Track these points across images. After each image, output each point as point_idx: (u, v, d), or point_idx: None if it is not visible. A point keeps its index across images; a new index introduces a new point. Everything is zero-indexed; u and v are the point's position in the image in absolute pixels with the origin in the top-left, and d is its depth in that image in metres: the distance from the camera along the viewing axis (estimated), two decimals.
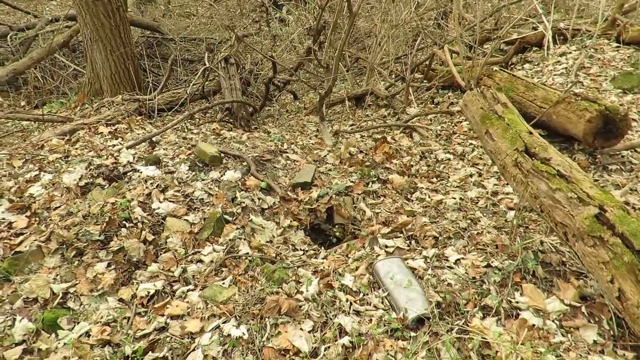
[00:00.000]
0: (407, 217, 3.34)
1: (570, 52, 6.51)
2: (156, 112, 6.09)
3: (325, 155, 4.49)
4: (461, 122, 5.96)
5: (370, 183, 3.98)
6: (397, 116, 6.95)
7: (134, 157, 3.83)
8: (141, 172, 3.54)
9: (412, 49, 7.36)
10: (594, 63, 6.09)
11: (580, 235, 2.09)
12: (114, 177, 3.46)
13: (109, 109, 5.71)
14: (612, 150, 4.01)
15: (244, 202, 3.45)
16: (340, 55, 4.46)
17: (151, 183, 3.42)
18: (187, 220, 3.12)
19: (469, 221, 3.21)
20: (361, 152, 4.79)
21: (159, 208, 3.13)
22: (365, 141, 5.39)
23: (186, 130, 5.41)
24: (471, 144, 5.15)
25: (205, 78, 6.51)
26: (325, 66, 4.87)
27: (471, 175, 4.30)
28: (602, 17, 6.38)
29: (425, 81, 7.30)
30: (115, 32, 5.95)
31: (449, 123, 6.07)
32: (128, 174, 3.54)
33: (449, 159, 4.77)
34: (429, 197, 3.77)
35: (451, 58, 6.72)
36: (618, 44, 6.43)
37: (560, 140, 4.41)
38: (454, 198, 3.68)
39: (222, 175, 3.67)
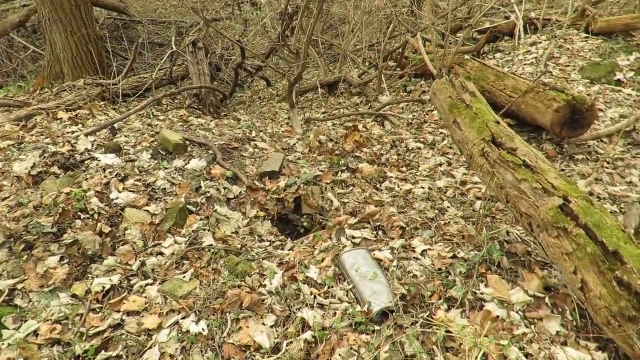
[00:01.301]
0: (375, 207, 3.29)
1: (540, 42, 6.56)
2: (120, 97, 5.85)
3: (295, 144, 4.39)
4: (432, 110, 5.95)
5: (340, 172, 3.91)
6: (369, 104, 6.89)
7: (92, 145, 3.65)
8: (99, 160, 3.37)
9: (385, 36, 7.29)
10: (563, 53, 6.15)
11: (544, 226, 2.08)
12: (69, 166, 3.29)
13: (69, 94, 5.45)
14: (578, 140, 4.05)
15: (208, 192, 3.33)
16: (309, 40, 4.35)
17: (110, 172, 3.26)
18: (147, 210, 2.99)
19: (436, 211, 3.19)
20: (331, 140, 4.71)
21: (117, 198, 2.99)
22: (337, 129, 5.31)
23: (151, 116, 5.22)
24: (441, 132, 5.14)
25: (173, 62, 6.29)
26: (295, 52, 4.75)
27: (440, 165, 4.29)
28: (572, 7, 6.44)
29: (397, 69, 7.25)
30: (76, 12, 5.65)
31: (421, 112, 6.05)
32: (85, 162, 3.37)
33: (419, 148, 4.75)
34: (398, 187, 3.74)
35: (424, 46, 6.68)
36: (587, 35, 6.51)
37: (529, 129, 4.44)
38: (423, 187, 3.66)
39: (186, 164, 3.54)
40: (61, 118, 4.46)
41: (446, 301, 2.27)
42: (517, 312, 2.18)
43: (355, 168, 4.04)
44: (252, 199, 3.48)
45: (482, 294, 2.28)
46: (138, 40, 6.07)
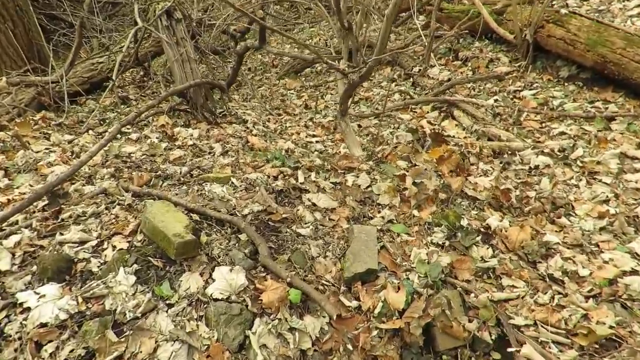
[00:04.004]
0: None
1: None
2: (67, 102, 3.89)
3: (369, 187, 2.64)
4: (521, 90, 4.21)
5: (472, 246, 2.23)
6: (412, 81, 5.09)
7: (13, 258, 1.82)
8: (24, 306, 1.58)
9: None
10: None
11: None
12: None
13: None
14: None
15: (263, 350, 1.63)
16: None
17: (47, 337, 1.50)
18: None
19: None
20: (412, 164, 2.98)
21: None
22: (390, 128, 3.56)
23: (119, 138, 3.33)
24: (562, 132, 3.45)
25: (139, 42, 4.29)
26: (347, 26, 2.86)
27: (608, 201, 2.66)
28: None
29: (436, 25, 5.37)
30: None
31: (502, 92, 4.31)
32: None
33: (548, 165, 3.07)
34: (585, 269, 2.10)
35: None
36: None
37: None
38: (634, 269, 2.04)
39: (206, 285, 1.79)
40: None
41: None
42: None
43: (490, 232, 2.36)
44: (346, 341, 1.79)
45: None
46: (81, 16, 3.99)
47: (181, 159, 2.96)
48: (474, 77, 4.42)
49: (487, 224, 2.41)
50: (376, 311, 1.89)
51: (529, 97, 4.02)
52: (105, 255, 1.85)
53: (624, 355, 1.63)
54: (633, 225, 2.42)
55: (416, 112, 4.42)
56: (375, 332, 1.84)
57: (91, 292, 1.67)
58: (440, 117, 4.13)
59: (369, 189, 2.62)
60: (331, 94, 5.49)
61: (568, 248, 2.27)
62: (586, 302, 1.92)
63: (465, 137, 3.59)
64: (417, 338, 1.86)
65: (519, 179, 2.97)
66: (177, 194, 2.32)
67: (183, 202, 2.17)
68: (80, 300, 1.64)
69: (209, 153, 3.16)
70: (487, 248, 2.22)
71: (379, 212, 2.43)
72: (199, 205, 2.18)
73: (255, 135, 3.72)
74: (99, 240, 1.92)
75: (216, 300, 1.74)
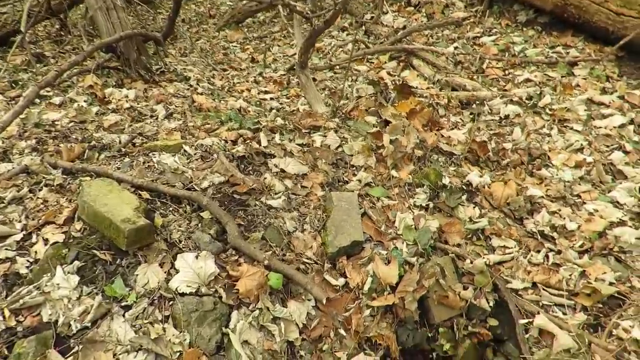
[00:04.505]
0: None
1: None
2: None
3: (338, 146, 2.38)
4: (480, 37, 4.06)
5: (457, 206, 2.07)
6: (364, 29, 4.78)
7: None
8: None
9: None
10: None
11: None
12: None
13: None
14: None
15: (245, 348, 1.39)
16: None
17: None
18: None
19: None
20: (381, 120, 2.74)
21: None
22: (345, 80, 3.30)
23: (38, 103, 2.81)
24: (526, 79, 3.34)
25: None
26: None
27: (582, 150, 2.59)
28: None
29: None
30: None
31: (463, 40, 4.12)
32: None
33: (518, 114, 2.96)
34: (573, 223, 2.01)
35: None
36: None
37: None
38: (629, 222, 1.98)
39: (168, 277, 1.49)
40: None
41: None
42: None
43: (472, 189, 2.21)
44: (337, 325, 1.59)
45: None
46: None
47: (118, 124, 2.53)
48: (432, 24, 4.19)
49: (468, 181, 2.26)
50: (366, 287, 1.69)
51: (489, 44, 3.87)
52: (36, 252, 1.48)
53: (630, 314, 1.55)
54: (610, 173, 2.37)
55: (373, 62, 4.15)
56: (367, 312, 1.64)
57: (21, 301, 1.32)
58: (400, 68, 3.89)
59: (340, 149, 2.36)
60: (278, 46, 5.08)
61: (552, 201, 2.17)
62: (580, 258, 1.83)
63: (428, 88, 3.40)
64: (413, 313, 1.69)
65: (491, 130, 2.83)
66: (119, 169, 1.95)
67: (128, 178, 1.81)
68: (7, 313, 1.29)
69: (151, 117, 2.74)
70: (474, 207, 2.07)
71: (354, 175, 2.19)
72: (149, 181, 1.83)
73: (202, 94, 3.31)
74: (24, 232, 1.53)
75: (183, 295, 1.45)
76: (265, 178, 2.02)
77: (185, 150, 2.11)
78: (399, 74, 3.80)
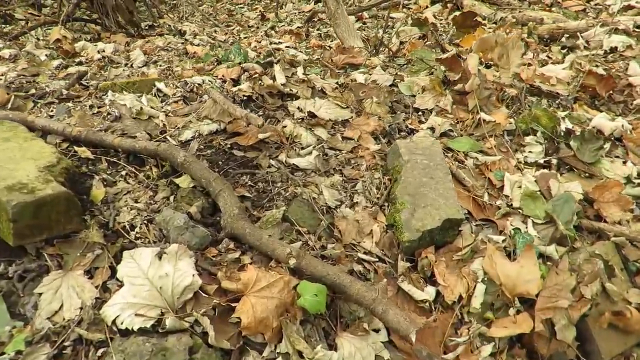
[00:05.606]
0: None
1: None
2: None
3: (393, 85, 1.59)
4: None
5: (600, 159, 1.28)
6: None
7: None
8: None
9: None
10: None
11: None
12: None
13: None
14: None
15: None
16: None
17: None
18: None
19: None
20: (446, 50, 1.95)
21: None
22: (398, 29, 2.52)
23: None
24: (628, 5, 2.50)
25: None
26: None
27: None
28: None
29: None
30: None
31: None
32: None
33: (629, 45, 2.13)
34: None
35: None
36: None
37: None
38: None
39: (102, 298, 0.74)
40: None
41: None
42: None
43: (611, 137, 1.41)
44: None
45: None
46: None
47: (78, 73, 1.80)
48: None
49: (594, 127, 1.45)
50: (476, 302, 0.92)
51: None
52: None
53: None
54: None
55: (411, 8, 3.36)
56: (487, 349, 0.87)
57: None
58: (447, 10, 3.08)
59: (393, 88, 1.58)
60: (292, 3, 4.31)
61: None
62: None
63: (490, 28, 2.59)
64: (568, 346, 0.91)
65: (596, 65, 2.01)
66: (51, 116, 1.21)
67: (58, 127, 1.07)
68: None
69: (126, 65, 2.01)
70: (624, 162, 1.28)
71: (421, 122, 1.41)
72: (91, 131, 1.08)
73: (198, 45, 2.57)
74: None
75: (127, 333, 0.71)
76: (284, 126, 1.26)
77: (159, 90, 1.36)
78: (446, 17, 3.00)
